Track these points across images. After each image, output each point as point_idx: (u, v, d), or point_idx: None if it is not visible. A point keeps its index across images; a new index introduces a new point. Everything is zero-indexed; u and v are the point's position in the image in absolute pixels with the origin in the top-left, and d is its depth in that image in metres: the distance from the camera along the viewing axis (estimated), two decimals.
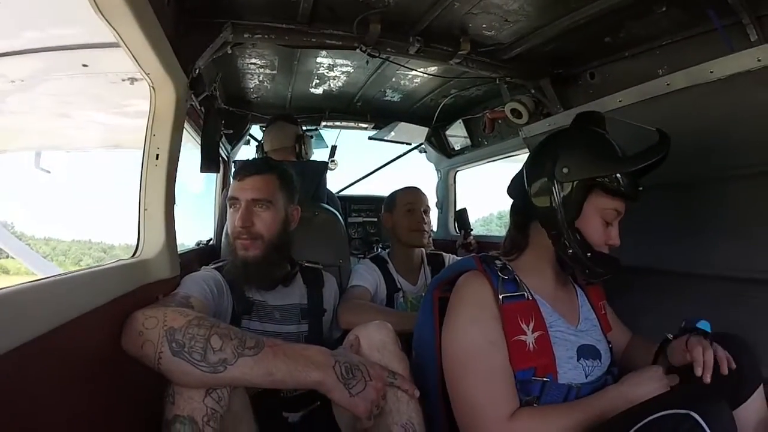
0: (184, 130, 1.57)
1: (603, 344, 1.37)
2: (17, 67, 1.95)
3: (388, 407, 1.22)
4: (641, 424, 0.96)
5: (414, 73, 2.44)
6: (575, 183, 1.24)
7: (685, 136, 1.56)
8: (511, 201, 1.47)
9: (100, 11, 1.03)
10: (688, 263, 1.75)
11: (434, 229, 3.43)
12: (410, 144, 3.84)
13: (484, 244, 2.83)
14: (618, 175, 1.23)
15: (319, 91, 2.81)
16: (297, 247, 1.72)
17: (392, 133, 3.41)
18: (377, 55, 1.87)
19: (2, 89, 2.10)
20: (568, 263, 1.31)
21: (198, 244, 2.73)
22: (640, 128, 1.34)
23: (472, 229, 2.88)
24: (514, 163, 3.19)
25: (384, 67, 2.36)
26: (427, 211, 2.33)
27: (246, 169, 1.60)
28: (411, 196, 2.33)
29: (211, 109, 2.05)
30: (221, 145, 2.78)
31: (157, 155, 1.42)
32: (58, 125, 2.64)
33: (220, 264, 1.60)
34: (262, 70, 2.44)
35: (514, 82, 2.23)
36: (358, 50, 1.83)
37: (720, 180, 1.66)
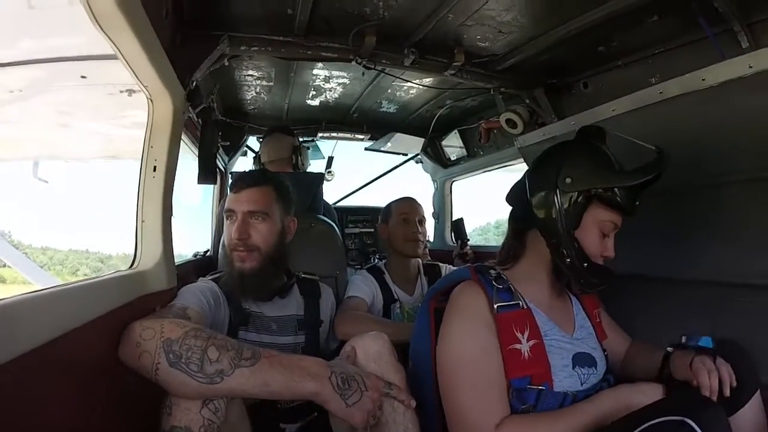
0: (182, 142, 1.58)
1: (599, 352, 1.38)
2: (16, 77, 1.97)
3: (385, 417, 1.22)
4: (637, 431, 0.96)
5: (409, 84, 2.46)
6: (576, 193, 1.27)
7: (678, 143, 1.58)
8: (508, 210, 1.49)
9: (98, 23, 1.04)
10: (681, 269, 1.76)
11: (430, 239, 3.44)
12: (406, 154, 3.85)
13: (481, 254, 2.84)
14: (617, 188, 1.26)
15: (316, 102, 2.82)
16: (294, 259, 1.72)
17: (388, 144, 3.41)
18: (373, 67, 1.89)
19: (1, 99, 2.11)
20: (564, 272, 1.33)
21: (195, 255, 2.72)
22: (639, 144, 1.36)
23: (468, 239, 2.88)
24: (511, 173, 3.21)
25: (380, 79, 2.37)
26: (422, 221, 2.34)
27: (242, 181, 1.60)
28: (406, 206, 2.34)
29: (208, 120, 2.06)
30: (218, 156, 2.78)
31: (155, 167, 1.42)
32: (56, 135, 2.65)
33: (217, 275, 1.61)
34: (259, 81, 2.45)
35: (508, 93, 2.25)
36: (353, 62, 1.84)
37: (712, 186, 1.67)
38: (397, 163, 4.01)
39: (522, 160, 2.49)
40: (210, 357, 1.03)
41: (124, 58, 1.19)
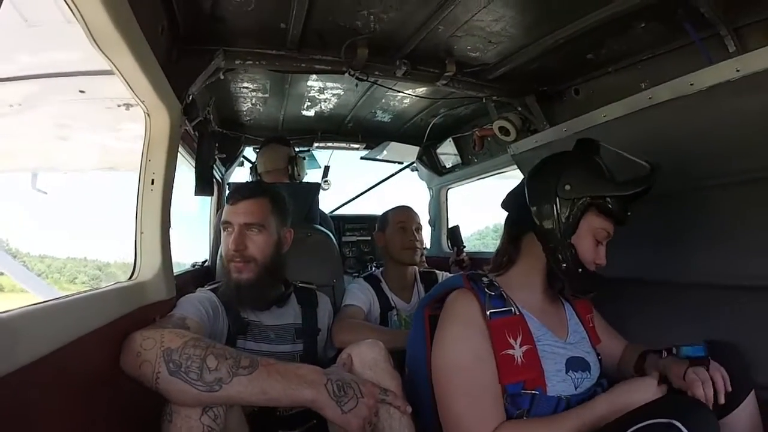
0: (179, 154, 1.60)
1: (592, 356, 1.40)
2: (16, 91, 1.99)
3: (381, 424, 1.23)
4: None
5: (403, 94, 2.49)
6: (575, 200, 1.31)
7: (669, 147, 1.61)
8: (506, 214, 1.52)
9: (95, 41, 1.06)
10: (675, 273, 1.77)
11: (427, 246, 3.45)
12: (402, 163, 3.87)
13: (477, 260, 2.85)
14: (611, 198, 1.31)
15: (311, 113, 2.84)
16: (291, 268, 1.73)
17: (384, 153, 3.44)
18: (365, 78, 1.92)
19: (1, 112, 2.14)
20: (559, 277, 1.35)
21: (193, 265, 2.74)
22: (632, 159, 1.39)
23: (464, 246, 2.90)
24: (507, 179, 3.23)
25: (373, 89, 2.40)
26: (419, 228, 2.36)
27: (238, 193, 1.62)
28: (403, 214, 2.36)
29: (204, 133, 2.08)
30: (215, 167, 2.80)
31: (153, 180, 1.44)
32: (55, 147, 2.67)
33: (215, 285, 1.62)
34: (254, 93, 2.48)
35: (500, 101, 2.28)
36: (346, 74, 1.87)
37: (702, 189, 1.69)
38: (393, 172, 4.02)
39: (516, 167, 2.51)
40: (209, 366, 1.05)
41: (121, 74, 1.22)
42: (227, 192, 2.37)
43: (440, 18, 1.60)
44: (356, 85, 2.25)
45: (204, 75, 1.67)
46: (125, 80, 1.26)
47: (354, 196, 4.09)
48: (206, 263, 2.79)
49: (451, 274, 2.36)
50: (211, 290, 1.58)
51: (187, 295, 1.51)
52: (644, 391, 1.17)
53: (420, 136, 3.17)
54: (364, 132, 3.27)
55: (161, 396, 1.06)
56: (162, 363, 1.05)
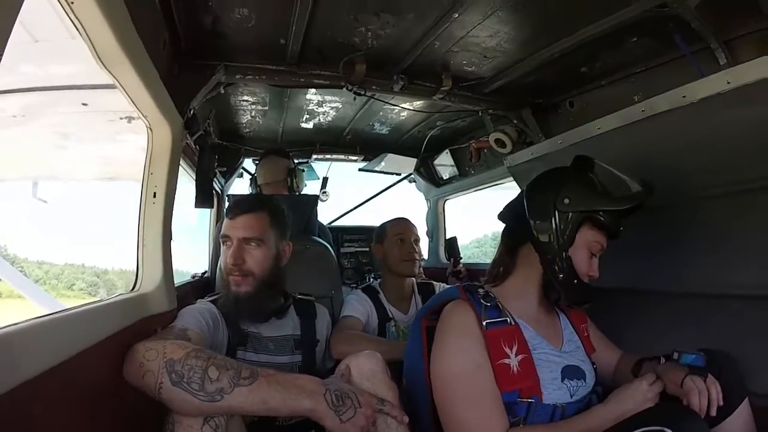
0: (180, 167, 1.62)
1: (587, 365, 1.42)
2: (19, 103, 2.03)
3: None
4: None
5: (400, 107, 2.51)
6: (572, 214, 1.34)
7: (663, 159, 1.63)
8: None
9: (98, 57, 1.09)
10: (668, 282, 1.79)
11: (425, 257, 3.46)
12: (399, 174, 3.90)
13: (474, 271, 2.87)
14: (604, 212, 1.35)
15: (310, 125, 2.87)
16: (290, 280, 1.74)
17: (382, 164, 3.46)
18: (363, 93, 1.95)
19: (3, 123, 2.16)
20: (555, 287, 1.38)
21: (194, 276, 2.75)
22: (622, 177, 1.42)
23: (461, 257, 2.91)
24: (504, 190, 3.25)
25: (371, 102, 2.43)
26: (417, 240, 2.37)
27: (237, 207, 1.62)
28: (401, 226, 2.37)
29: (205, 147, 2.10)
30: (215, 179, 2.82)
31: (155, 193, 1.47)
32: (56, 157, 2.70)
33: (215, 297, 1.63)
34: (254, 106, 2.50)
35: (496, 114, 2.31)
36: (344, 89, 1.91)
37: (695, 200, 1.72)
38: (391, 183, 4.04)
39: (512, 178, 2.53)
40: (210, 376, 1.06)
41: (123, 89, 1.24)
42: (227, 203, 2.38)
43: (436, 34, 1.63)
44: (354, 98, 2.27)
45: (205, 89, 1.70)
46: (128, 95, 1.28)
47: (352, 207, 4.10)
48: (206, 274, 2.80)
49: (449, 286, 2.37)
50: (211, 301, 1.59)
51: (187, 306, 1.52)
52: (638, 396, 1.19)
53: (417, 147, 3.19)
54: (362, 144, 3.30)
55: (164, 406, 1.08)
56: (165, 373, 1.06)
